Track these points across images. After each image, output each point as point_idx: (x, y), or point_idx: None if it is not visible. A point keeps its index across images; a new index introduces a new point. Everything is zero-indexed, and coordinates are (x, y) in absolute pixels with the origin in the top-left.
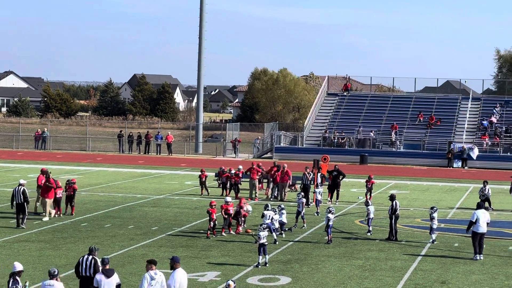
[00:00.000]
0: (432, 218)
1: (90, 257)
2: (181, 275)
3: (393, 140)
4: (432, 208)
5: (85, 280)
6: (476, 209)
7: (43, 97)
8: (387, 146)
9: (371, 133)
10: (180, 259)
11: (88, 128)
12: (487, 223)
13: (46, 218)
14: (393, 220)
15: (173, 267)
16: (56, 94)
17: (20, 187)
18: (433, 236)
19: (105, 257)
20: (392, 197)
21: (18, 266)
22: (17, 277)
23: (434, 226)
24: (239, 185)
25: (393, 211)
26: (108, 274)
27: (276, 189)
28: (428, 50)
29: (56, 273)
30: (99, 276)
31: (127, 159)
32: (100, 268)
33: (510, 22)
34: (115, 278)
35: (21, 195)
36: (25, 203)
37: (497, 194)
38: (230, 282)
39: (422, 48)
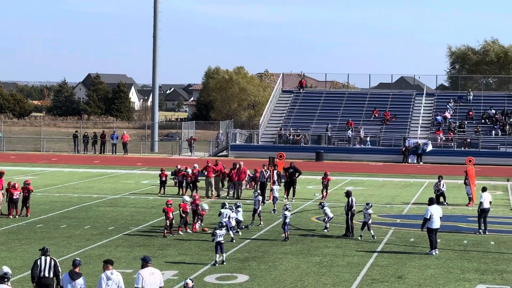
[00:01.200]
0: (365, 215)
1: (49, 258)
2: (146, 274)
3: (350, 136)
4: (367, 204)
5: (42, 281)
6: (429, 204)
7: None
8: (342, 143)
9: (328, 126)
10: (150, 258)
11: (42, 129)
12: (440, 217)
13: None
14: (349, 217)
15: (142, 267)
16: (9, 94)
17: None
18: (371, 232)
19: (77, 258)
20: (348, 194)
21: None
22: None
23: (370, 221)
24: (197, 183)
25: (349, 207)
26: (73, 277)
27: (232, 187)
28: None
29: (8, 275)
30: (66, 277)
31: (83, 159)
32: (70, 270)
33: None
34: (81, 282)
35: None
36: None
37: (452, 189)
38: (188, 281)
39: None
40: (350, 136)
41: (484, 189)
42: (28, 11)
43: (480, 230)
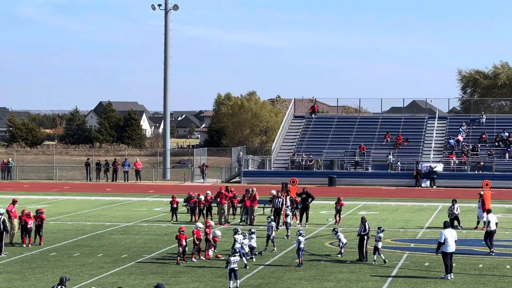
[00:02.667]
0: (377, 240)
1: (60, 287)
2: None
3: (357, 160)
4: (378, 228)
5: None
6: (443, 228)
7: (8, 126)
8: (355, 167)
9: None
10: (164, 286)
11: (54, 157)
12: (455, 241)
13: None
14: (365, 241)
15: None
16: (21, 123)
17: (0, 216)
18: (382, 256)
19: (65, 276)
20: (363, 219)
21: None
22: None
23: (379, 246)
24: (211, 209)
25: (365, 232)
26: None
27: (246, 213)
28: (394, 71)
29: None
30: None
31: (95, 187)
32: None
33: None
34: None
35: (1, 225)
36: (4, 232)
37: (466, 213)
38: None
39: (388, 69)
40: (358, 160)
41: (489, 211)
42: (40, 40)
43: (492, 250)
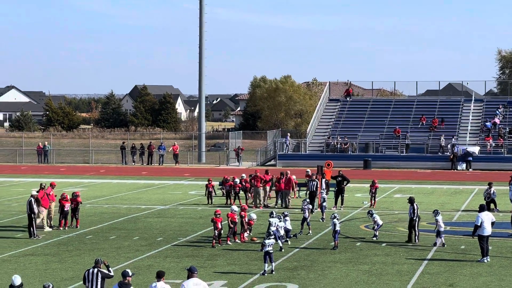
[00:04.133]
0: (436, 221)
1: (96, 269)
2: (190, 285)
3: (408, 143)
4: (434, 211)
5: None
6: (479, 211)
7: (45, 111)
8: (390, 150)
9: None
10: (196, 269)
11: (90, 141)
12: (492, 223)
13: (47, 229)
14: (415, 223)
15: (188, 277)
16: (58, 107)
17: (30, 198)
18: (442, 240)
19: (126, 270)
20: (411, 200)
21: (17, 280)
22: None
23: (441, 229)
24: (248, 192)
25: (415, 214)
26: (122, 287)
27: (281, 196)
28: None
29: (50, 287)
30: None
31: (130, 171)
32: (120, 281)
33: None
34: None
35: (28, 206)
36: (32, 214)
37: (502, 195)
38: None
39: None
40: (408, 143)
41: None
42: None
43: None
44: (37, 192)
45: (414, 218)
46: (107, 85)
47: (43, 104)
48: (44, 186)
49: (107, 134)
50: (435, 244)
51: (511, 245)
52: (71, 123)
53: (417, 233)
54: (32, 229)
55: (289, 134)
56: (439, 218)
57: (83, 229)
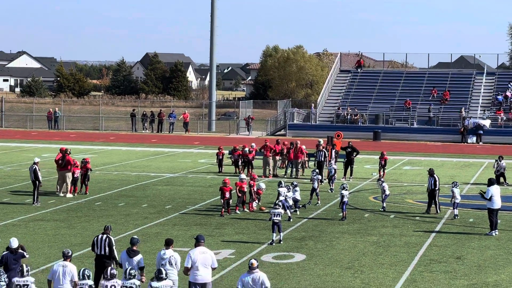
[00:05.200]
0: (453, 193)
1: (105, 236)
2: (196, 253)
3: (431, 116)
4: (453, 183)
5: (99, 258)
6: (489, 185)
7: (56, 77)
8: (400, 122)
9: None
10: (203, 237)
11: (101, 108)
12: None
13: (69, 195)
14: (436, 194)
15: (195, 246)
16: (69, 73)
17: (33, 165)
18: (456, 211)
19: (134, 237)
20: (431, 172)
21: (14, 243)
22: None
23: (457, 201)
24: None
25: (435, 185)
26: (130, 254)
27: (290, 166)
28: (442, 25)
29: (70, 254)
30: (124, 254)
31: (140, 138)
32: (128, 247)
33: None
34: (138, 259)
35: (32, 174)
36: (36, 181)
37: None
38: (253, 261)
39: (435, 23)
40: (431, 116)
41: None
42: None
43: None
44: (39, 159)
45: (436, 189)
46: (118, 52)
47: (54, 70)
48: (69, 151)
49: (118, 101)
50: (455, 217)
51: None
52: (82, 89)
53: (438, 204)
54: (34, 196)
55: (313, 108)
56: (456, 190)
57: (92, 195)
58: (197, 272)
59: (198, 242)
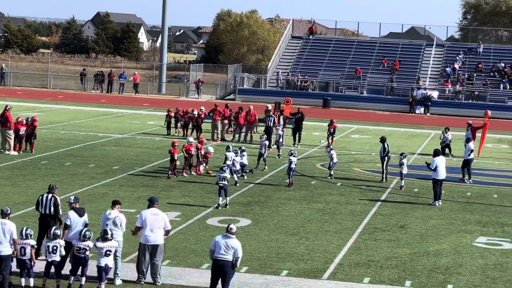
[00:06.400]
0: (401, 164)
1: (50, 195)
2: (148, 214)
3: (362, 83)
4: (401, 154)
5: (44, 217)
6: (434, 156)
7: (3, 32)
8: (350, 91)
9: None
10: (156, 200)
11: (49, 65)
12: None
13: (13, 152)
14: (385, 162)
15: (148, 207)
16: (17, 29)
17: None
18: (402, 182)
19: (76, 196)
20: (383, 139)
21: None
22: None
23: (404, 172)
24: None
25: (385, 152)
26: (80, 213)
27: (238, 131)
28: None
29: (8, 212)
30: (72, 215)
31: (89, 98)
32: (72, 205)
33: None
34: (85, 218)
35: None
36: None
37: (458, 141)
38: (233, 226)
39: None
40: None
41: (468, 140)
42: None
43: (465, 179)
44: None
45: (383, 156)
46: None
47: (1, 26)
48: (9, 108)
49: (67, 59)
50: (401, 188)
51: (463, 190)
52: (30, 46)
53: (385, 172)
54: None
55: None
56: (405, 161)
57: (38, 154)
58: (148, 234)
59: (151, 203)
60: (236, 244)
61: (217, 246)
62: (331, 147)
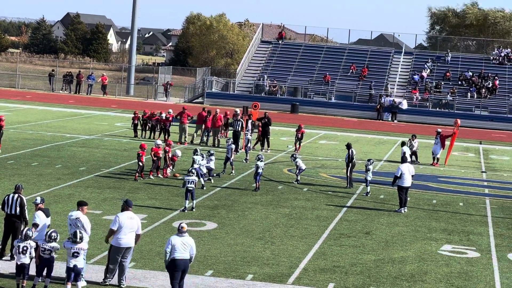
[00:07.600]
0: (367, 170)
1: (16, 195)
2: (124, 218)
3: (331, 89)
4: (368, 160)
5: (9, 217)
6: (401, 163)
7: None
8: (318, 96)
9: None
10: (131, 203)
11: (18, 65)
12: (412, 176)
13: None
14: (349, 168)
15: (122, 210)
16: None
17: None
18: (368, 189)
19: (42, 197)
20: (348, 146)
21: None
22: None
23: (369, 178)
24: (169, 129)
25: (350, 159)
26: (47, 213)
27: (206, 134)
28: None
29: None
30: (41, 215)
31: (57, 98)
32: (39, 206)
33: None
34: (49, 219)
35: None
36: None
37: (424, 149)
38: (184, 224)
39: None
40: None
41: (403, 144)
42: None
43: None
44: None
45: (347, 162)
46: (39, 10)
47: None
48: None
49: (36, 59)
50: (367, 194)
51: (429, 197)
52: None
53: (350, 179)
54: None
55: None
56: (371, 167)
57: (5, 154)
58: (121, 237)
59: (127, 206)
60: (191, 241)
61: (175, 246)
62: (295, 155)
